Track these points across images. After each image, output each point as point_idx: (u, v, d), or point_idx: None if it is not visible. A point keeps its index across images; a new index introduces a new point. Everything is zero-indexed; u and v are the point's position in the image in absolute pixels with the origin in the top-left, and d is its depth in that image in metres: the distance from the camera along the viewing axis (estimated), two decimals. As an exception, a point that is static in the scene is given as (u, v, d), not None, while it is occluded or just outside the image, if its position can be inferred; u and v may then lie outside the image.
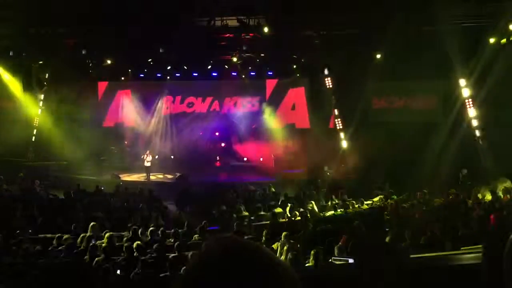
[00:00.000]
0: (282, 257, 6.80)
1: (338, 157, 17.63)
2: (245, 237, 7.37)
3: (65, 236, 8.02)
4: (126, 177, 18.37)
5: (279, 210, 11.23)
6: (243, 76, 19.93)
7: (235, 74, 19.76)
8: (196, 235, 8.75)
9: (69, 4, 14.47)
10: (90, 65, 19.28)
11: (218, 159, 21.48)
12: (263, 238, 8.53)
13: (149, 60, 18.81)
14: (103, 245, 7.43)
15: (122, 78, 21.13)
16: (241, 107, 21.32)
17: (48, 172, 17.92)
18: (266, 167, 19.10)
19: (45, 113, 19.57)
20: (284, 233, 7.77)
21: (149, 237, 8.50)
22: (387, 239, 7.61)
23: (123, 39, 16.41)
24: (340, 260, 6.50)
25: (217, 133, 22.15)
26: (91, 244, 7.42)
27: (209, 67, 19.23)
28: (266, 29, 14.75)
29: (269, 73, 19.81)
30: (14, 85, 18.74)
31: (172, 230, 8.73)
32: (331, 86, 17.61)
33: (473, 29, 14.04)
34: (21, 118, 18.67)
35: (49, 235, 8.71)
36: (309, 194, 13.29)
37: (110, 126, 21.94)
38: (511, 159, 12.43)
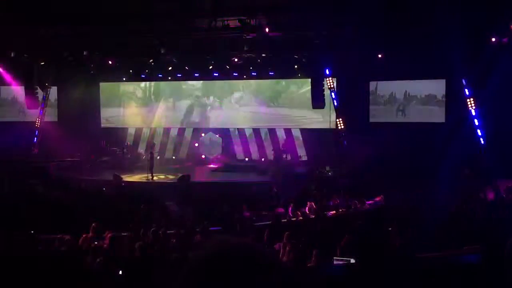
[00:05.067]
0: (284, 258, 6.81)
1: (339, 156, 17.59)
2: (247, 238, 7.36)
3: (66, 237, 7.99)
4: (127, 178, 18.33)
5: (280, 210, 11.23)
6: (244, 76, 19.96)
7: (236, 74, 19.77)
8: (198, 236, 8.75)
9: (70, 4, 14.46)
10: (92, 65, 19.28)
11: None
12: (265, 238, 8.52)
13: (151, 60, 18.80)
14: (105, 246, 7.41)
15: (124, 79, 21.17)
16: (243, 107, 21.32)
17: (50, 171, 17.92)
18: (267, 167, 19.07)
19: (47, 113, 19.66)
20: (286, 234, 7.75)
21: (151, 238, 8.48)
22: (388, 239, 7.60)
23: (124, 40, 16.42)
24: (342, 260, 6.50)
25: (217, 135, 22.09)
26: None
27: (210, 67, 19.21)
28: (267, 29, 14.73)
29: (271, 73, 19.78)
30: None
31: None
32: (332, 86, 17.62)
33: (475, 28, 13.98)
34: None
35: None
36: (311, 194, 13.27)
37: (112, 126, 21.97)
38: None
